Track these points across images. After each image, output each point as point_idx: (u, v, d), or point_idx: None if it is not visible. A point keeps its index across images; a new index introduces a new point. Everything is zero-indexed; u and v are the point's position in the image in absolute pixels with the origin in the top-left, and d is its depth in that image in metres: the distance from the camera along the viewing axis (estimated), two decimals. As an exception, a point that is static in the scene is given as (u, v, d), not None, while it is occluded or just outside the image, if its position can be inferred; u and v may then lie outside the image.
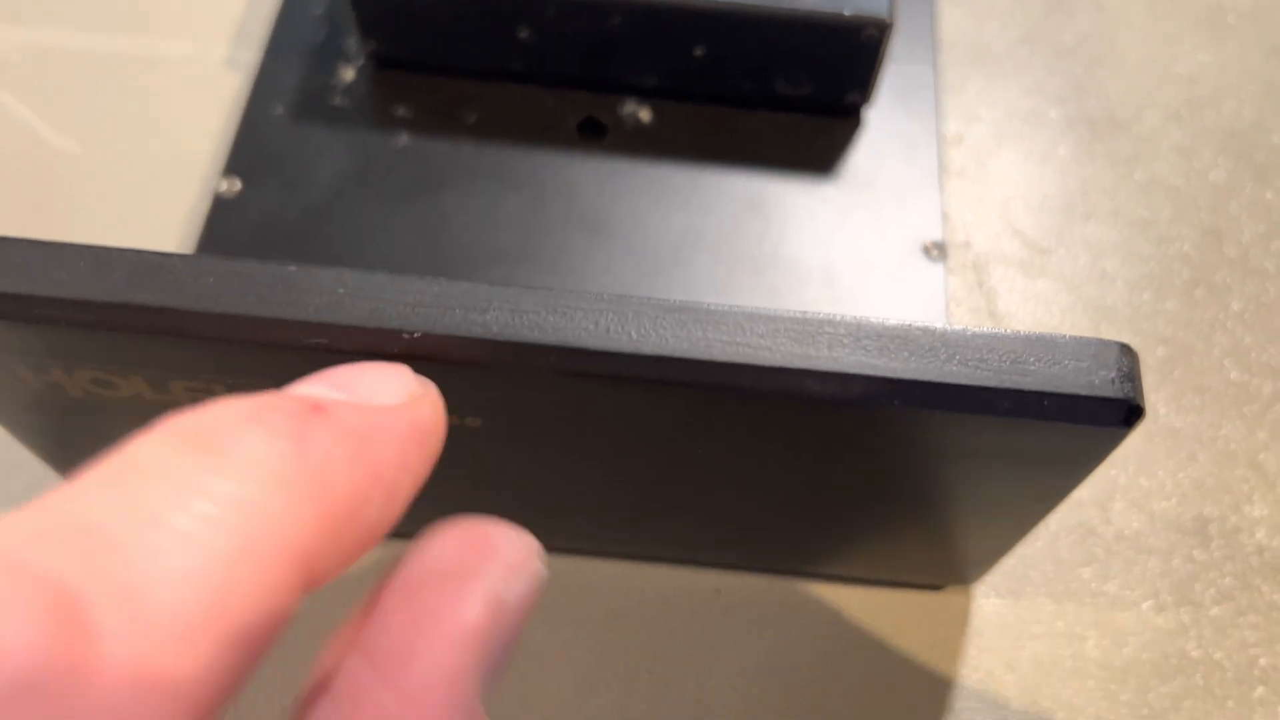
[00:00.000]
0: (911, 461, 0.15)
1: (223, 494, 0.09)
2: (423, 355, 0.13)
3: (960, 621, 0.20)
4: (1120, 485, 0.21)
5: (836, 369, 0.13)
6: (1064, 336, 0.13)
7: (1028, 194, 0.24)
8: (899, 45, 0.25)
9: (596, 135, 0.24)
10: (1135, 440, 0.22)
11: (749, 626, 0.20)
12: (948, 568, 0.19)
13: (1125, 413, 0.13)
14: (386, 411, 0.11)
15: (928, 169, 0.23)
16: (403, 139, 0.23)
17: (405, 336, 0.13)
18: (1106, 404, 0.13)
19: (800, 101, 0.23)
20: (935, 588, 0.20)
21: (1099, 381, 0.13)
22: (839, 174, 0.23)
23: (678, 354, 0.13)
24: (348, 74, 0.24)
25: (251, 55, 0.25)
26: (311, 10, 0.25)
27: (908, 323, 0.13)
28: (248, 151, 0.23)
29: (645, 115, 0.24)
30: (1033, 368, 0.13)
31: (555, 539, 0.19)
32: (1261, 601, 0.20)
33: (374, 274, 0.14)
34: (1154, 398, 0.22)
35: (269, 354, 0.14)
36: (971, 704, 0.19)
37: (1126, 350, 0.13)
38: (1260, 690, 0.19)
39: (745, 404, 0.14)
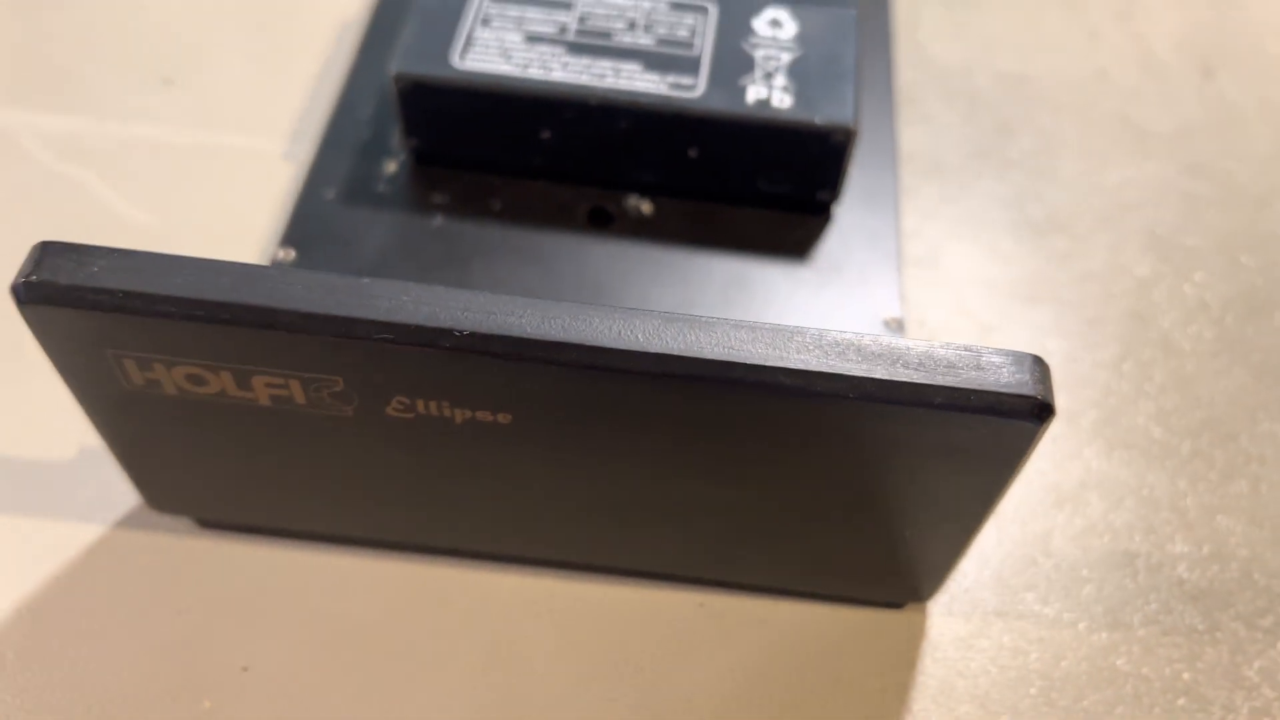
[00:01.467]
0: (864, 456, 0.18)
1: None
2: (469, 349, 0.17)
3: (918, 635, 0.23)
4: (1059, 524, 0.24)
5: (803, 368, 0.16)
6: (989, 348, 0.17)
7: (977, 281, 0.28)
8: (864, 155, 0.29)
9: (604, 223, 0.27)
10: (1072, 486, 0.25)
11: (729, 636, 0.22)
12: (905, 583, 0.22)
13: (1037, 409, 0.16)
14: None
15: (889, 256, 0.27)
16: (437, 220, 0.27)
17: (456, 333, 0.17)
18: (1022, 400, 0.16)
19: (779, 198, 0.27)
20: (896, 606, 0.23)
21: (1016, 383, 0.16)
22: (812, 260, 0.27)
23: (675, 352, 0.16)
24: (391, 167, 0.28)
25: (306, 150, 0.29)
26: (361, 114, 0.29)
27: (861, 334, 0.17)
28: (302, 227, 0.27)
29: (647, 207, 0.28)
30: (962, 371, 0.17)
31: (561, 547, 0.22)
32: (1183, 624, 0.23)
33: (433, 287, 0.17)
34: (1088, 451, 0.25)
35: (342, 347, 0.17)
36: (928, 706, 0.22)
37: (1039, 361, 0.17)
38: (1182, 700, 0.22)
39: (729, 398, 0.17)
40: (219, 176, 0.29)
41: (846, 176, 0.27)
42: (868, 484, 0.19)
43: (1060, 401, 0.26)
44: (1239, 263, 0.29)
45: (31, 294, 0.17)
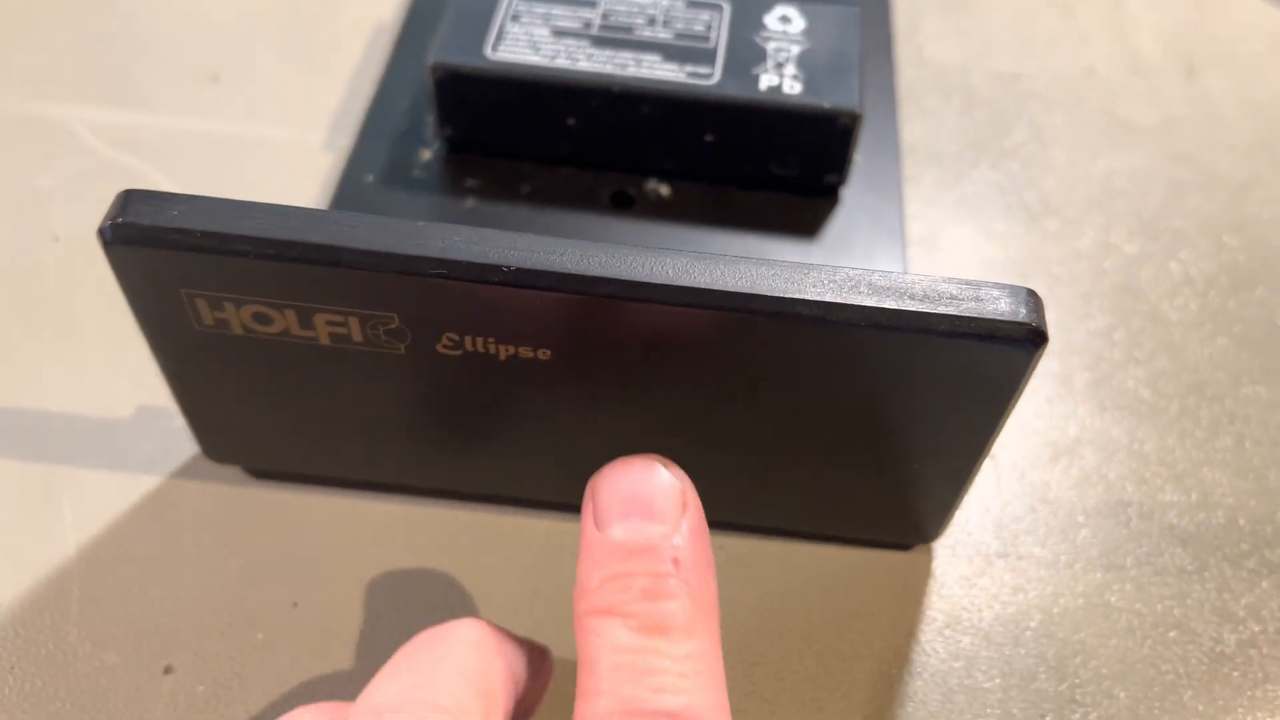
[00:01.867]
0: (874, 385, 0.19)
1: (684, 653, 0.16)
2: (515, 284, 0.18)
3: (925, 575, 0.24)
4: (1055, 476, 0.26)
5: (819, 298, 0.18)
6: (988, 282, 0.18)
7: (975, 259, 0.30)
8: (869, 144, 0.31)
9: (626, 206, 0.29)
10: (1068, 442, 0.26)
11: (747, 573, 0.24)
12: (912, 523, 0.23)
13: (1032, 334, 0.18)
14: (692, 529, 0.17)
15: (893, 235, 0.29)
16: (469, 203, 0.29)
17: (504, 269, 0.18)
18: (1018, 327, 0.18)
19: (790, 182, 0.29)
20: (905, 547, 0.24)
21: (1011, 312, 0.18)
22: (821, 239, 0.29)
23: (703, 285, 0.18)
24: (425, 154, 0.30)
25: (346, 141, 0.31)
26: (397, 106, 0.31)
27: (870, 270, 0.19)
28: (343, 207, 0.28)
29: (665, 191, 0.29)
30: (963, 302, 0.18)
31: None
32: (1173, 565, 0.24)
33: (481, 229, 0.19)
34: (1081, 410, 0.27)
35: (399, 284, 0.19)
36: (934, 638, 0.23)
37: (1033, 294, 0.18)
38: (1173, 633, 0.23)
39: (751, 328, 0.19)
40: (264, 165, 0.31)
41: (852, 160, 0.29)
42: (877, 415, 0.20)
43: (1054, 365, 0.28)
44: (1222, 242, 0.31)
45: (118, 235, 0.18)
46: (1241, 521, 0.25)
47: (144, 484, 0.25)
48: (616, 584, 0.16)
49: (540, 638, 0.23)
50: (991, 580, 0.24)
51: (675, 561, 0.17)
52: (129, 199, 0.19)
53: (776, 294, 0.18)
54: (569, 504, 0.25)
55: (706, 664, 0.16)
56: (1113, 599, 0.24)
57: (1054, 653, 0.23)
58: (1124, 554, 0.25)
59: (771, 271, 0.18)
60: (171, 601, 0.23)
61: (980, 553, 0.24)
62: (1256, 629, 0.24)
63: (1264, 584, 0.24)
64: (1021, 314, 0.18)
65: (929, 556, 0.24)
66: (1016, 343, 0.18)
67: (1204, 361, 0.28)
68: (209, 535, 0.24)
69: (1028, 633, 0.23)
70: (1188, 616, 0.24)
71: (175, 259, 0.19)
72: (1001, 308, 0.18)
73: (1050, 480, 0.26)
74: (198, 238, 0.18)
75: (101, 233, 0.19)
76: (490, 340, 0.20)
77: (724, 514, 0.24)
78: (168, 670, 0.22)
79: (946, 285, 0.18)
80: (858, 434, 0.21)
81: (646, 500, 0.17)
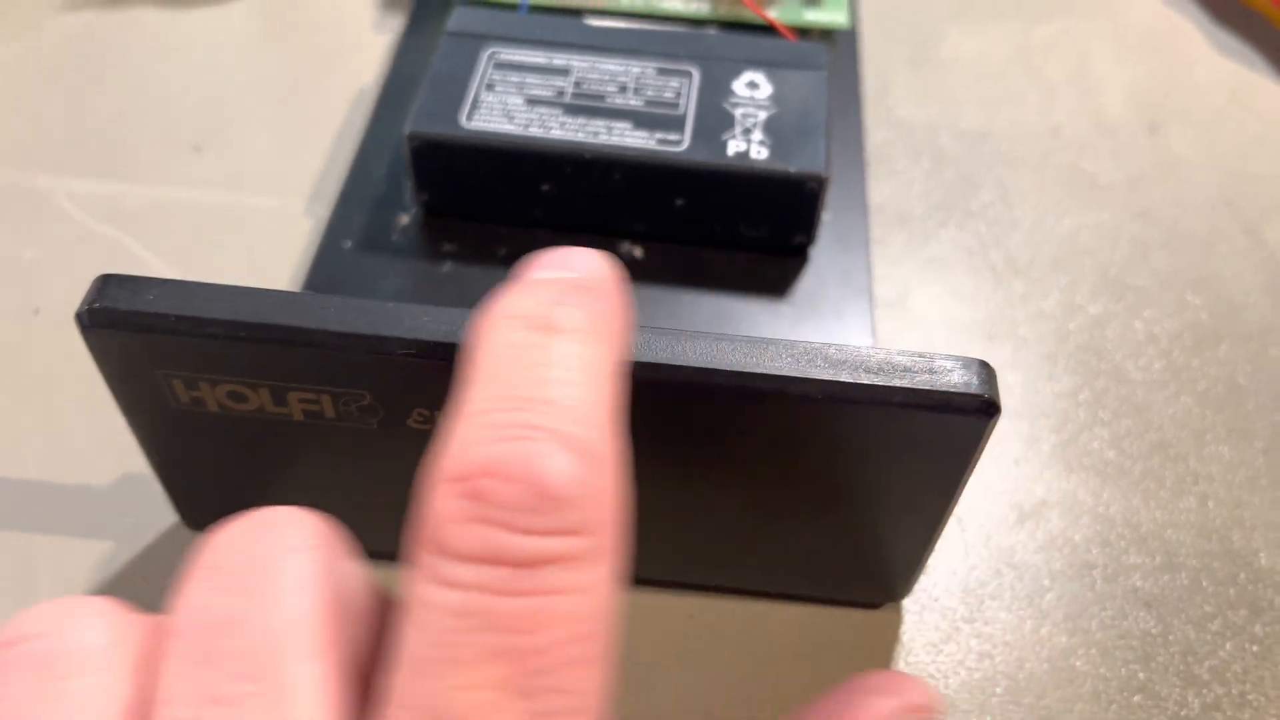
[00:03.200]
0: (834, 453, 0.20)
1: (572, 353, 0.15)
2: (483, 363, 0.19)
3: (892, 639, 0.24)
4: (1021, 539, 0.26)
5: (776, 373, 0.19)
6: (941, 354, 0.19)
7: (941, 321, 0.30)
8: (837, 204, 0.31)
9: (599, 268, 0.30)
10: (1034, 505, 0.27)
11: (717, 641, 0.24)
12: (880, 583, 0.24)
13: (985, 405, 0.19)
14: (610, 279, 0.17)
15: (861, 293, 0.29)
16: (447, 267, 0.29)
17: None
18: (971, 399, 0.19)
19: (759, 242, 0.30)
20: (873, 606, 0.25)
21: (964, 383, 0.19)
22: (790, 297, 0.29)
23: (663, 360, 0.19)
24: (403, 219, 0.30)
25: (325, 208, 0.32)
26: (375, 173, 0.31)
27: (827, 344, 0.19)
28: (322, 274, 0.29)
29: (639, 252, 0.30)
30: (917, 375, 0.19)
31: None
32: (1137, 629, 0.25)
33: (449, 309, 0.19)
34: (1047, 474, 0.27)
35: (370, 362, 0.19)
36: (902, 701, 0.23)
37: (985, 365, 0.19)
38: (1138, 697, 0.24)
39: (711, 402, 0.19)
40: (245, 233, 0.31)
41: (820, 222, 0.29)
42: (839, 480, 0.21)
43: (1021, 428, 0.28)
44: (1185, 300, 0.31)
45: (95, 319, 0.19)
46: (1205, 583, 0.26)
47: (122, 553, 0.25)
48: (524, 291, 0.16)
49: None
50: (958, 646, 0.24)
51: (583, 288, 0.17)
52: (105, 284, 0.19)
53: (735, 369, 0.19)
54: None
55: (598, 370, 0.16)
56: (1078, 664, 0.24)
57: (1020, 718, 0.23)
58: (1089, 618, 0.25)
59: (731, 346, 0.19)
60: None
61: (947, 618, 0.25)
62: (1220, 691, 0.24)
63: (1227, 646, 0.25)
64: (974, 385, 0.19)
65: (898, 617, 0.25)
66: (970, 413, 0.19)
67: (1168, 420, 0.28)
68: (184, 604, 0.24)
69: (994, 699, 0.24)
70: (1152, 680, 0.24)
71: (151, 341, 0.19)
72: (954, 379, 0.19)
73: (1016, 544, 0.26)
74: (172, 321, 0.19)
75: (79, 317, 0.19)
76: (459, 416, 0.20)
77: (694, 576, 0.25)
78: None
79: (901, 358, 0.19)
80: (821, 499, 0.21)
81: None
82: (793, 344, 0.19)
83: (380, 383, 0.20)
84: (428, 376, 0.19)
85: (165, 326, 0.19)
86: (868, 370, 0.19)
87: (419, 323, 0.19)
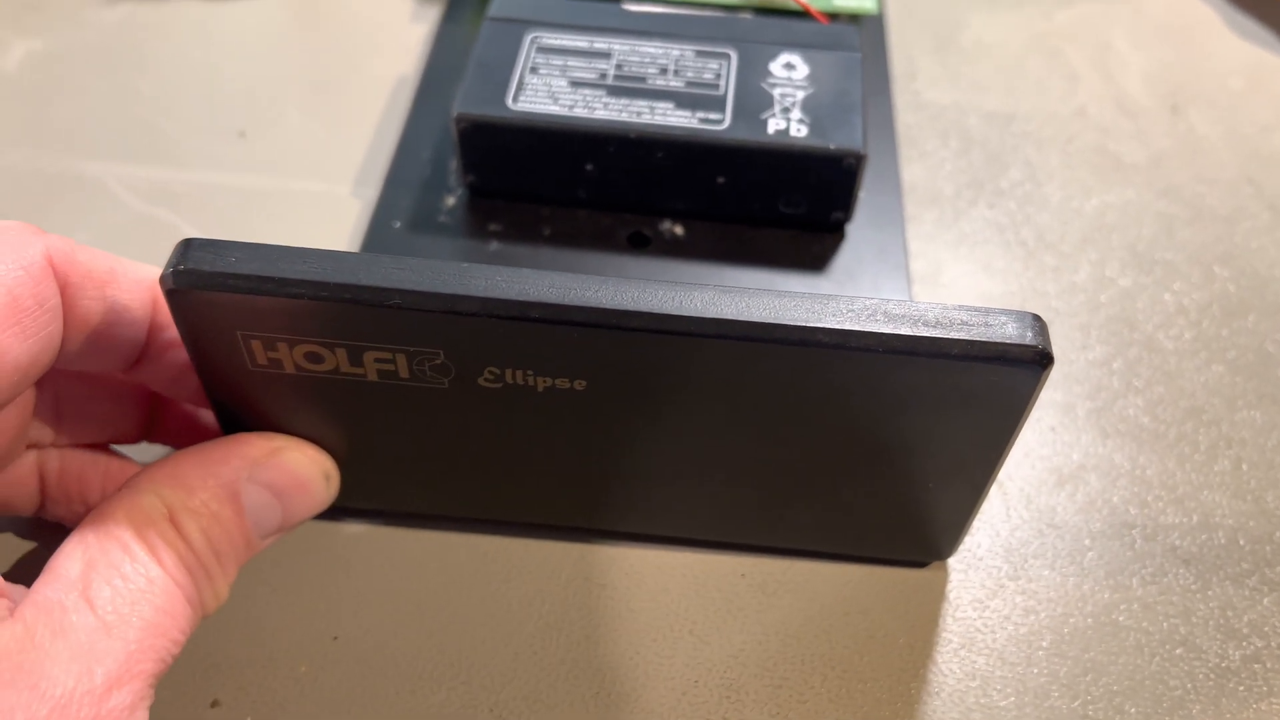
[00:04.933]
0: (891, 407, 0.21)
1: None
2: (552, 320, 0.19)
3: (940, 594, 0.25)
4: (1061, 501, 0.27)
5: (838, 327, 0.19)
6: (996, 308, 0.20)
7: (975, 294, 0.31)
8: (872, 183, 0.32)
9: (642, 245, 0.30)
10: (1072, 469, 0.27)
11: (769, 599, 0.25)
12: (927, 541, 0.24)
13: (1039, 356, 0.19)
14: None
15: (898, 269, 0.30)
16: (493, 245, 0.30)
17: (542, 305, 0.19)
18: (1026, 349, 0.19)
19: (798, 219, 0.30)
20: (920, 565, 0.25)
21: (1019, 335, 0.19)
22: (829, 272, 0.30)
23: (729, 316, 0.19)
24: (450, 201, 0.31)
25: (372, 191, 0.32)
26: (421, 155, 0.32)
27: (886, 299, 0.20)
28: (373, 252, 0.30)
29: (680, 230, 0.31)
30: (974, 328, 0.19)
31: (621, 517, 0.25)
32: (1178, 585, 0.25)
33: (522, 269, 0.20)
34: (1084, 439, 0.28)
35: (444, 322, 0.20)
36: (949, 659, 0.24)
37: (1038, 318, 0.20)
38: (1179, 650, 0.24)
39: (775, 357, 0.20)
40: (294, 215, 0.32)
41: (858, 198, 0.30)
42: (895, 437, 0.21)
43: (1056, 397, 0.29)
44: (1212, 273, 0.32)
45: (179, 280, 0.20)
46: (1242, 541, 0.26)
47: (187, 521, 0.25)
48: None
49: (566, 656, 0.24)
50: (1003, 602, 0.25)
51: None
52: (189, 247, 0.20)
53: (798, 323, 0.19)
54: (597, 529, 0.26)
55: None
56: (1120, 618, 0.25)
57: (1066, 671, 0.24)
58: (1130, 575, 0.26)
59: (793, 303, 0.20)
60: (217, 637, 0.24)
61: (992, 576, 0.25)
62: (1260, 644, 0.25)
63: (1265, 601, 0.25)
64: (1029, 337, 0.19)
65: (944, 576, 0.25)
66: (1025, 364, 0.19)
67: (1200, 388, 0.29)
68: (253, 570, 0.25)
69: (1040, 652, 0.24)
70: (1193, 634, 0.25)
71: (233, 302, 0.20)
72: (1009, 331, 0.19)
73: (1057, 505, 0.27)
74: (255, 282, 0.19)
75: (163, 280, 0.20)
76: (529, 373, 0.21)
77: (749, 536, 0.25)
78: (214, 704, 0.23)
79: (957, 313, 0.20)
80: (876, 456, 0.22)
81: None
82: (853, 299, 0.20)
83: (454, 341, 0.20)
84: (499, 335, 0.20)
85: (248, 287, 0.19)
86: (926, 324, 0.19)
87: (493, 282, 0.20)
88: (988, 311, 0.20)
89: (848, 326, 0.19)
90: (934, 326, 0.19)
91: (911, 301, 0.20)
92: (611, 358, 0.20)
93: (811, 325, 0.19)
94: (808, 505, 0.24)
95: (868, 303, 0.20)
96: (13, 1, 0.39)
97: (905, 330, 0.19)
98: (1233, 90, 0.38)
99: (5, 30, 0.38)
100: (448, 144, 0.33)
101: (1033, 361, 0.19)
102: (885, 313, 0.20)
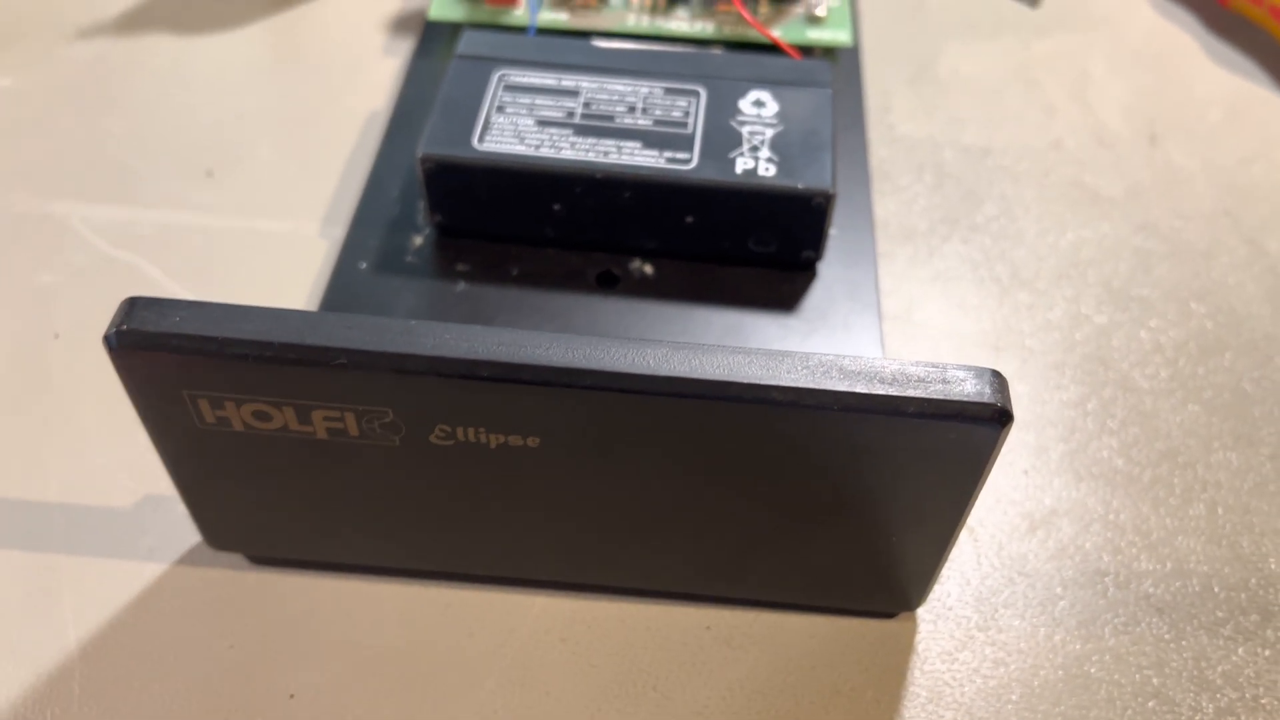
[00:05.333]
0: (850, 463, 0.20)
1: None
2: (502, 378, 0.19)
3: (908, 646, 0.25)
4: (1032, 548, 0.26)
5: (792, 384, 0.19)
6: (953, 364, 0.19)
7: (948, 332, 0.31)
8: (844, 220, 0.32)
9: (611, 285, 0.30)
10: (1044, 514, 0.27)
11: (734, 652, 0.24)
12: (895, 592, 0.24)
13: (998, 414, 0.19)
14: None
15: (869, 307, 0.30)
16: (461, 286, 0.30)
17: (491, 364, 0.19)
18: (984, 407, 0.19)
19: (768, 258, 0.30)
20: (888, 616, 0.25)
21: (977, 393, 0.19)
22: (799, 311, 0.30)
23: (681, 374, 0.19)
24: (417, 240, 0.31)
25: (339, 231, 0.32)
26: (388, 195, 0.32)
27: (841, 356, 0.19)
28: (338, 294, 0.29)
29: (649, 269, 0.30)
30: (931, 385, 0.19)
31: (580, 569, 0.24)
32: (1150, 635, 0.25)
33: (470, 326, 0.20)
34: (1057, 482, 0.28)
35: (393, 380, 0.19)
36: (917, 713, 0.24)
37: (997, 374, 0.19)
38: (1152, 703, 0.24)
39: (729, 414, 0.19)
40: (260, 256, 0.32)
41: (828, 237, 0.30)
42: (854, 491, 0.21)
43: (1029, 438, 0.28)
44: (1189, 309, 0.31)
45: (123, 341, 0.19)
46: (1216, 589, 0.26)
47: (145, 573, 0.25)
48: None
49: (524, 715, 0.23)
50: (973, 654, 0.25)
51: None
52: (133, 306, 0.20)
53: (752, 381, 0.19)
54: (556, 582, 0.25)
55: None
56: (1092, 670, 0.24)
57: (1037, 722, 0.24)
58: (1102, 624, 0.25)
59: (747, 360, 0.19)
60: (172, 695, 0.23)
61: (961, 627, 0.25)
62: (1234, 695, 0.24)
63: (1240, 651, 0.25)
64: (987, 394, 0.19)
65: (913, 627, 0.25)
66: (983, 422, 0.19)
67: (1175, 428, 0.29)
68: (209, 625, 0.24)
69: (1009, 706, 0.24)
70: (1166, 685, 0.24)
71: (178, 362, 0.19)
72: (968, 389, 0.19)
73: (1028, 552, 0.26)
74: (199, 342, 0.19)
75: (107, 340, 0.19)
76: (481, 430, 0.20)
77: (713, 588, 0.25)
78: (167, 760, 0.22)
79: (914, 369, 0.19)
80: (837, 510, 0.22)
81: None
82: (808, 356, 0.19)
83: (403, 400, 0.20)
84: (449, 393, 0.19)
85: (192, 347, 0.19)
86: (882, 381, 0.19)
87: (440, 340, 0.19)
88: (945, 368, 0.19)
89: (802, 384, 0.19)
90: (890, 384, 0.19)
91: (868, 358, 0.19)
92: (564, 415, 0.20)
93: (765, 384, 0.19)
94: (772, 557, 0.23)
95: (824, 359, 0.19)
96: (-15, 36, 0.39)
97: (860, 388, 0.19)
98: (1211, 121, 0.38)
99: (-25, 66, 0.38)
100: (416, 182, 0.32)
101: (991, 420, 0.19)
102: (841, 369, 0.19)
